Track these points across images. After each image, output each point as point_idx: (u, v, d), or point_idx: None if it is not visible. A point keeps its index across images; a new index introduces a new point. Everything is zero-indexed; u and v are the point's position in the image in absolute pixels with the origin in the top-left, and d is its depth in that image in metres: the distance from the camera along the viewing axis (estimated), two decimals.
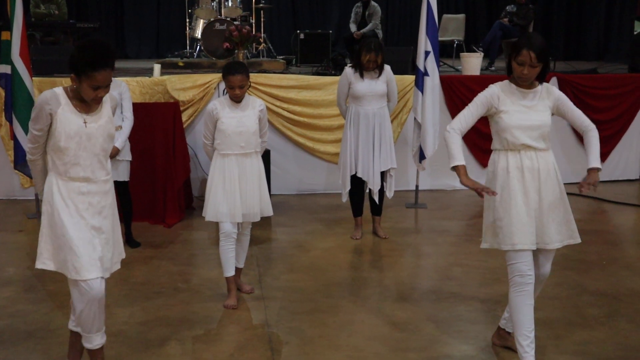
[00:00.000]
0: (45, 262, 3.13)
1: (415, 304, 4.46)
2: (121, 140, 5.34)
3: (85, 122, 3.03)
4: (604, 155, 8.11)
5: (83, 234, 3.08)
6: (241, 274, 4.70)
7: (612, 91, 8.02)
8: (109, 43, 3.03)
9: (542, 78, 3.44)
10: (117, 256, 3.33)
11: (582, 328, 4.07)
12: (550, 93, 3.48)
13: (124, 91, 5.41)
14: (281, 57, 10.27)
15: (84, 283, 3.07)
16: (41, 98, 2.97)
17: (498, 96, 3.42)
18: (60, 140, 3.00)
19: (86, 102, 3.04)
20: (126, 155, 5.45)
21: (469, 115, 3.53)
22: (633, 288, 4.73)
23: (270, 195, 4.55)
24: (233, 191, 4.28)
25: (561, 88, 7.39)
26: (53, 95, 3.00)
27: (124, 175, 5.47)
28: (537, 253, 3.46)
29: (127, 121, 5.41)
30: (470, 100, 7.84)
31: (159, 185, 6.42)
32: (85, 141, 3.06)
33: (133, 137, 5.52)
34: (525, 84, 3.42)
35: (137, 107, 5.68)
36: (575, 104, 8.23)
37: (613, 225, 6.66)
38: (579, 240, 3.53)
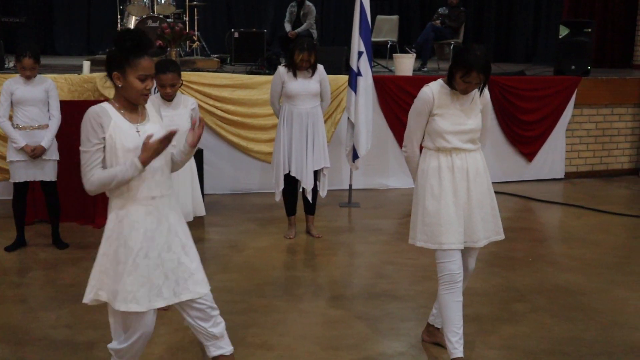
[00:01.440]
0: (99, 293, 2.89)
1: (347, 302, 4.50)
2: (47, 139, 5.21)
3: (138, 132, 2.79)
4: (530, 155, 8.40)
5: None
6: None
7: (538, 93, 8.27)
8: (142, 31, 2.85)
9: (482, 88, 3.46)
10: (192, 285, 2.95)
11: (508, 323, 4.18)
12: (483, 96, 3.52)
13: (51, 89, 5.28)
14: (215, 55, 10.18)
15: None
16: (89, 113, 2.72)
17: (433, 99, 3.41)
18: (118, 156, 2.73)
19: (134, 111, 2.82)
20: (53, 155, 5.32)
21: (418, 131, 3.50)
22: (557, 283, 4.89)
23: (203, 194, 4.53)
24: None
25: (490, 89, 7.56)
26: (102, 109, 2.75)
27: (50, 175, 5.33)
28: (463, 250, 3.53)
29: (54, 119, 5.28)
30: (403, 100, 7.96)
31: None
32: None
33: (61, 136, 5.38)
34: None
35: (65, 105, 5.55)
36: (503, 105, 8.50)
37: (539, 223, 6.88)
38: (503, 237, 3.62)
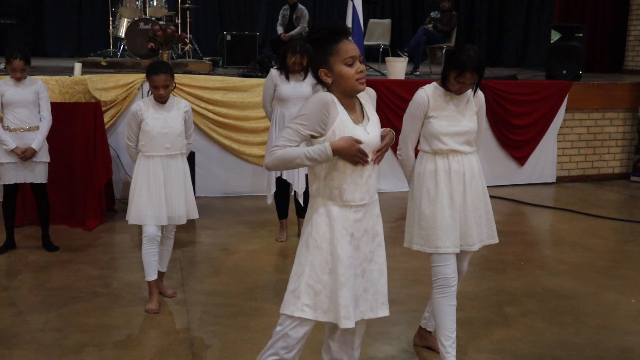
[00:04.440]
0: (304, 309, 2.64)
1: None
2: (38, 141, 5.18)
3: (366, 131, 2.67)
4: (522, 159, 8.42)
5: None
6: (164, 277, 4.62)
7: (530, 97, 8.30)
8: (334, 20, 2.67)
9: (476, 88, 3.46)
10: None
11: (499, 327, 4.18)
12: (478, 98, 3.51)
13: (42, 90, 5.25)
14: (207, 58, 10.17)
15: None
16: (321, 96, 2.58)
17: (427, 102, 3.40)
18: None
19: (354, 110, 2.67)
20: (43, 157, 5.28)
21: (412, 134, 3.49)
22: (548, 287, 4.89)
23: (195, 197, 4.50)
24: (158, 193, 4.21)
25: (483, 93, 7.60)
26: (333, 100, 2.60)
27: (41, 177, 5.30)
28: (457, 254, 3.52)
29: (45, 121, 5.25)
30: (394, 104, 7.96)
31: (78, 187, 6.25)
32: None
33: (51, 138, 5.36)
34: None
35: (56, 107, 5.52)
36: (495, 109, 8.51)
37: (530, 227, 6.89)
38: (497, 240, 3.62)
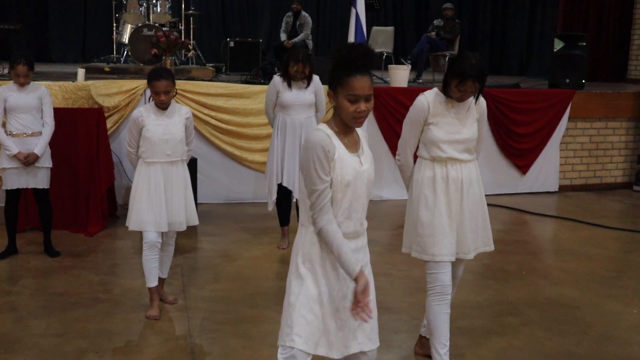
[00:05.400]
0: (294, 338, 2.56)
1: None
2: (41, 146, 5.19)
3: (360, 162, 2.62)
4: (524, 168, 8.41)
5: None
6: (165, 284, 4.62)
7: (533, 106, 8.29)
8: (365, 46, 2.53)
9: (478, 96, 3.45)
10: None
11: (500, 336, 4.17)
12: (480, 105, 3.50)
13: (45, 96, 5.25)
14: (210, 64, 10.20)
15: None
16: (316, 140, 2.49)
17: (428, 108, 3.39)
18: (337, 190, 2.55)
19: (351, 136, 2.59)
20: (46, 162, 5.29)
21: (412, 139, 3.48)
22: (550, 297, 4.88)
23: (196, 204, 4.51)
24: (158, 200, 4.21)
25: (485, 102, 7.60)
26: (326, 137, 2.51)
27: (43, 183, 5.31)
28: (453, 261, 3.51)
29: (47, 127, 5.26)
30: (397, 112, 7.96)
31: (81, 192, 6.25)
32: None
33: (54, 144, 5.37)
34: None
35: (59, 113, 5.53)
36: (498, 117, 8.50)
37: (532, 236, 6.87)
38: (492, 248, 3.61)
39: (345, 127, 2.55)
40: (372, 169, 2.63)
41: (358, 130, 2.64)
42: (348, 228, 2.57)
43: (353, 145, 2.58)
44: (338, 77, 2.47)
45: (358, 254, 2.62)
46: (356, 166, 2.55)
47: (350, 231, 2.58)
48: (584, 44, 8.90)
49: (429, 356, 3.80)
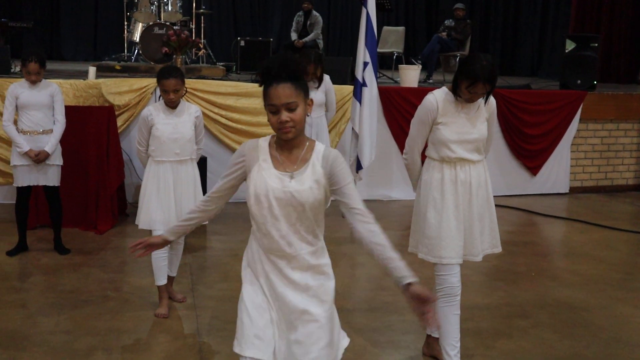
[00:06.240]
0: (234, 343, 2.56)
1: (347, 314, 4.46)
2: (51, 143, 5.21)
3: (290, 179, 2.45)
4: (534, 169, 8.37)
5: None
6: (174, 282, 4.62)
7: (544, 107, 8.26)
8: (286, 55, 2.39)
9: (487, 97, 3.43)
10: None
11: (509, 338, 4.15)
12: (490, 104, 3.48)
13: (56, 93, 5.28)
14: (221, 63, 10.20)
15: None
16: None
17: (437, 107, 3.38)
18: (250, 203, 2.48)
19: (291, 151, 2.42)
20: (56, 160, 5.31)
21: (419, 139, 3.47)
22: (559, 299, 4.86)
23: None
24: (167, 199, 4.22)
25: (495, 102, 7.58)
26: (256, 144, 2.46)
27: (54, 180, 5.33)
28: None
29: (59, 124, 5.29)
30: (407, 112, 7.93)
31: (91, 190, 6.28)
32: None
33: (65, 141, 5.39)
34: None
35: (70, 111, 5.56)
36: (508, 118, 8.45)
37: (542, 238, 6.84)
38: (500, 250, 3.60)
39: (284, 141, 2.38)
40: (313, 192, 2.37)
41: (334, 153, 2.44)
42: (270, 245, 2.46)
43: (288, 162, 2.40)
44: (264, 90, 2.35)
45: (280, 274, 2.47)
46: (274, 183, 2.37)
47: (273, 248, 2.46)
48: (596, 45, 8.85)
49: (436, 357, 3.80)
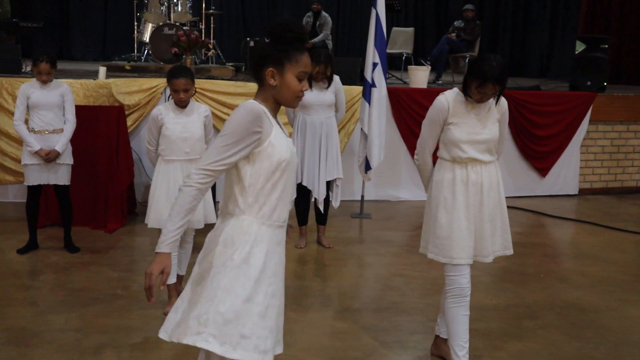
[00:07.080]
0: (208, 339, 2.38)
1: (355, 314, 4.48)
2: (62, 143, 5.24)
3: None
4: (544, 171, 8.35)
5: None
6: (183, 281, 4.64)
7: (553, 108, 8.24)
8: (301, 24, 2.40)
9: (498, 97, 3.43)
10: None
11: (517, 339, 4.15)
12: (501, 105, 3.49)
13: (67, 93, 5.31)
14: (230, 64, 10.22)
15: None
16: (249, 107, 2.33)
17: (448, 108, 3.38)
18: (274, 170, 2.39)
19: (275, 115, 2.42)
20: (67, 159, 5.34)
21: (431, 139, 3.48)
22: (568, 300, 4.84)
23: (215, 202, 4.53)
24: None
25: None
26: (264, 111, 2.36)
27: (64, 179, 5.36)
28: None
29: (69, 124, 5.31)
30: (416, 113, 7.93)
31: (101, 189, 6.31)
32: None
33: (75, 141, 5.42)
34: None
35: (80, 110, 5.58)
36: (518, 119, 8.45)
37: (551, 239, 6.83)
38: (511, 252, 3.60)
39: (275, 108, 2.41)
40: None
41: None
42: (285, 214, 2.44)
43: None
44: (289, 54, 2.31)
45: (282, 247, 2.48)
46: (293, 148, 2.43)
47: (284, 218, 2.44)
48: (606, 46, 8.83)
49: (444, 358, 3.80)
